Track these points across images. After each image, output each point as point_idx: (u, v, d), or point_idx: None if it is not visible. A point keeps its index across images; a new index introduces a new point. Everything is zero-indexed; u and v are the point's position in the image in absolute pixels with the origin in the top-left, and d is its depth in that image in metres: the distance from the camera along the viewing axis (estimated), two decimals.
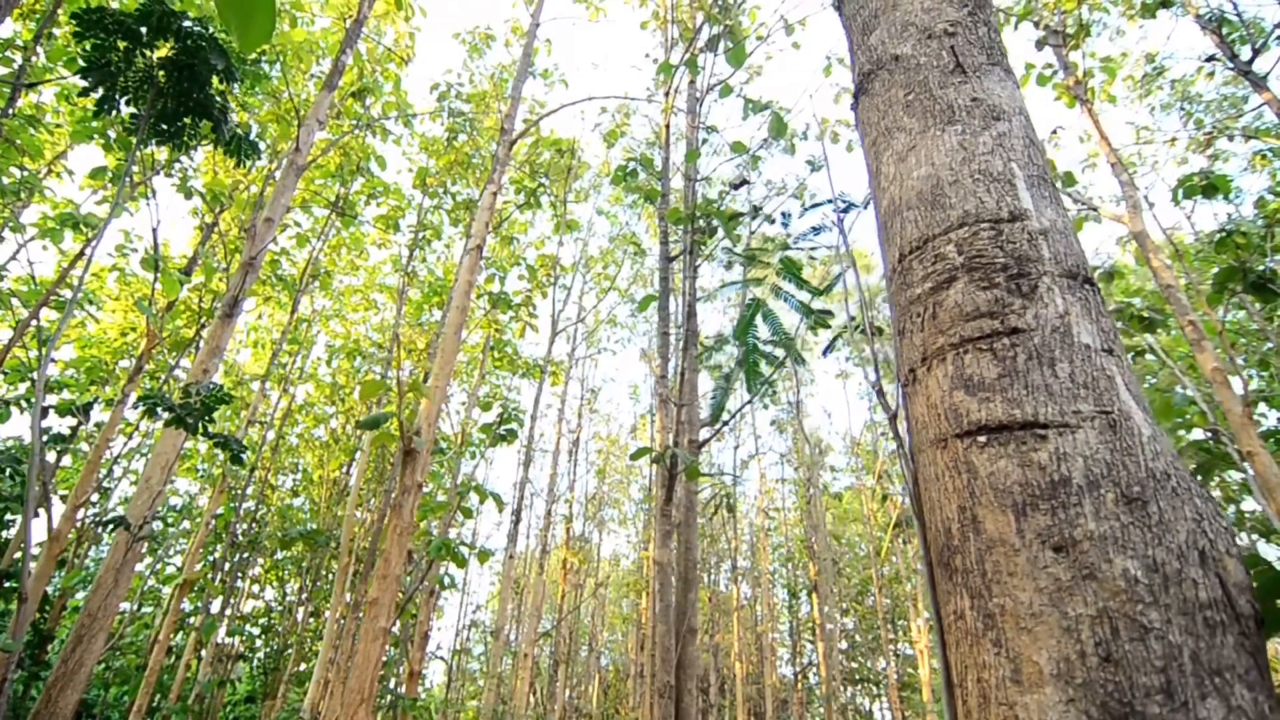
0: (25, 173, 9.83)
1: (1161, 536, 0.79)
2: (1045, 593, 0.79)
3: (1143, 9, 9.88)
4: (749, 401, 4.38)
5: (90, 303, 13.51)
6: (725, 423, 4.63)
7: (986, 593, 0.84)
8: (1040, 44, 9.86)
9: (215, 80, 4.40)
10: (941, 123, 1.19)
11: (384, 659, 5.59)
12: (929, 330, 1.03)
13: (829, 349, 3.61)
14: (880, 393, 1.33)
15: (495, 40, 14.97)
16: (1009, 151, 1.12)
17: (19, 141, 9.89)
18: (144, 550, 16.52)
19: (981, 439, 0.91)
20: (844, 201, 3.59)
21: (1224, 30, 9.17)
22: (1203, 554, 0.78)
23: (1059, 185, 10.44)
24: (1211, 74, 12.22)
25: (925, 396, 1.00)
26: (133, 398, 13.83)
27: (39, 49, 9.27)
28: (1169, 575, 0.76)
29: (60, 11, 9.52)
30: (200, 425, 3.60)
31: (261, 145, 11.83)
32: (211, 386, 3.67)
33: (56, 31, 9.49)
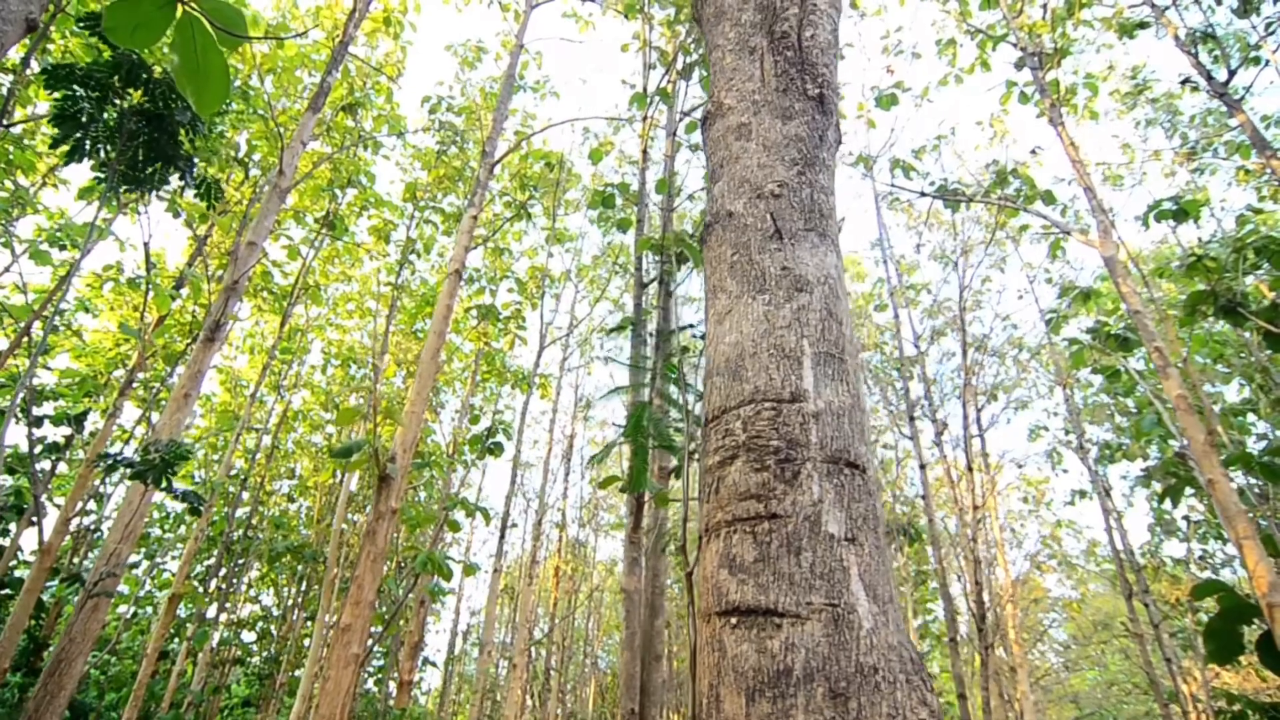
0: (17, 188, 9.99)
1: None
2: None
3: (1121, 29, 9.95)
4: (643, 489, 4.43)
5: (86, 311, 13.69)
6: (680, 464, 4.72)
7: None
8: (1019, 64, 9.94)
9: (182, 132, 4.52)
10: (754, 291, 1.29)
11: (357, 684, 5.72)
12: (713, 503, 1.14)
13: (675, 472, 3.68)
14: (683, 548, 1.43)
15: (487, 53, 15.06)
16: (804, 326, 1.23)
17: (12, 158, 10.04)
18: (139, 557, 16.57)
19: (733, 620, 1.02)
20: (696, 334, 3.67)
21: (1209, 47, 9.22)
22: None
23: (1040, 202, 10.51)
24: (1196, 88, 12.25)
25: (703, 567, 1.12)
26: (128, 406, 13.95)
27: (33, 62, 9.39)
28: None
29: (53, 28, 9.64)
30: (162, 480, 3.73)
31: (253, 157, 11.99)
32: (172, 444, 3.80)
33: (51, 45, 9.62)
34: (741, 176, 1.45)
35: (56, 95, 4.58)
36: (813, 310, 1.25)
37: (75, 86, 4.48)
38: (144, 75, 4.65)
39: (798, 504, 1.07)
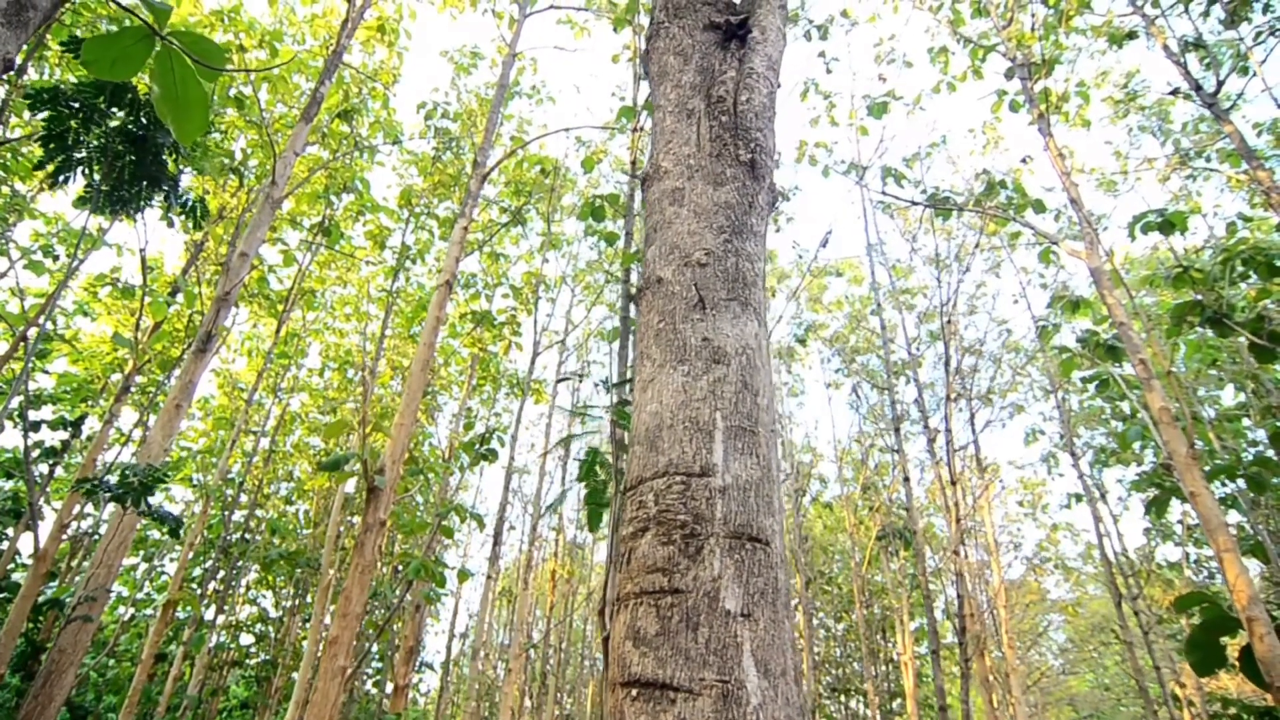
0: (14, 194, 10.06)
1: None
2: None
3: (1111, 39, 9.99)
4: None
5: (85, 314, 13.76)
6: None
7: None
8: (1009, 74, 9.97)
9: (167, 152, 4.57)
10: (675, 360, 1.35)
11: (344, 694, 5.78)
12: (624, 573, 1.20)
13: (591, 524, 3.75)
14: (601, 612, 1.49)
15: (483, 58, 15.10)
16: (719, 399, 1.28)
17: (8, 165, 10.12)
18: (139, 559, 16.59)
19: (634, 692, 1.07)
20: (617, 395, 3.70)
21: (1200, 55, 9.24)
22: None
23: (1031, 210, 10.55)
24: (1189, 96, 12.25)
25: (612, 637, 1.17)
26: (125, 411, 14.01)
27: (30, 68, 9.46)
28: None
29: (49, 36, 9.70)
30: (141, 503, 3.80)
31: (248, 164, 12.05)
32: (149, 467, 3.86)
33: (49, 52, 9.68)
34: (673, 242, 1.50)
35: (43, 116, 4.64)
36: (729, 383, 1.31)
37: (60, 107, 4.54)
38: (128, 95, 4.71)
39: (699, 579, 1.12)
